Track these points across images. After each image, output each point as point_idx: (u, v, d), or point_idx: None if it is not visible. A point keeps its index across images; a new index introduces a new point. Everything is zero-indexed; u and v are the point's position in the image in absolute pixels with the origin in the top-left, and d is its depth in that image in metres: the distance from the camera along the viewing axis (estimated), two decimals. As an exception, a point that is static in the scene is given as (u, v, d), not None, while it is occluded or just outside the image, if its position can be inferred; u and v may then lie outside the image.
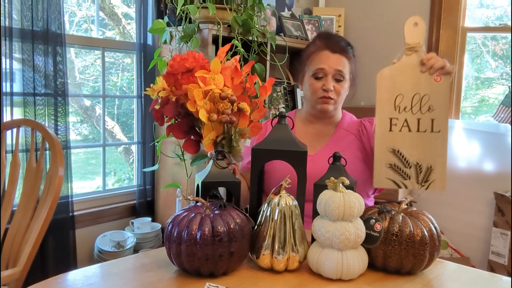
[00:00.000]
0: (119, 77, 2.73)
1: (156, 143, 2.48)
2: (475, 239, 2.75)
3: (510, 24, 2.77)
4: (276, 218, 1.01)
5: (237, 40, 2.27)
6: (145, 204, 2.55)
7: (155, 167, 2.49)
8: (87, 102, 2.70)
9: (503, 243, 2.54)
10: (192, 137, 1.22)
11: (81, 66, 2.66)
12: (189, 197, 1.04)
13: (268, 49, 2.50)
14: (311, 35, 2.97)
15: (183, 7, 2.18)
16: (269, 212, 1.02)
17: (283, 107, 2.75)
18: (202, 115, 1.07)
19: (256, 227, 1.04)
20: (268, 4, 2.68)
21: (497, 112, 2.68)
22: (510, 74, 2.85)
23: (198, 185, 1.11)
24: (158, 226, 2.48)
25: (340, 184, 1.00)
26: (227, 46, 1.22)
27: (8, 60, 1.92)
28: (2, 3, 1.86)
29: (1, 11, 1.85)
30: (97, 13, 2.45)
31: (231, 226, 0.97)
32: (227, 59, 1.21)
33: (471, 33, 2.93)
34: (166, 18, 2.38)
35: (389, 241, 1.01)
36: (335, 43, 1.50)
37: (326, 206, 0.98)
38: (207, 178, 1.07)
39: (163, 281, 0.97)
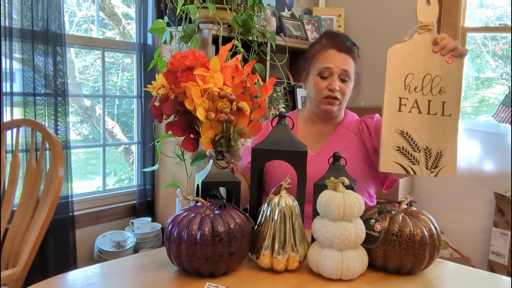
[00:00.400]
0: (119, 77, 2.73)
1: (156, 143, 2.48)
2: (475, 239, 2.76)
3: (510, 24, 2.77)
4: (276, 218, 1.01)
5: (237, 40, 2.27)
6: (145, 204, 2.55)
7: (155, 167, 2.49)
8: (87, 102, 2.70)
9: (503, 243, 2.54)
10: (191, 135, 1.22)
11: (81, 66, 2.66)
12: (189, 197, 1.04)
13: (268, 49, 2.50)
14: (311, 35, 2.97)
15: (183, 7, 2.18)
16: (269, 212, 1.02)
17: (283, 107, 2.75)
18: (200, 114, 1.07)
19: (256, 227, 1.04)
20: (268, 4, 2.68)
21: (497, 112, 2.68)
22: (510, 74, 2.85)
23: (198, 185, 1.11)
24: (158, 226, 2.48)
25: (340, 184, 1.00)
26: (229, 45, 1.22)
27: (8, 60, 1.92)
28: (2, 3, 1.86)
29: (1, 11, 1.85)
30: (97, 13, 2.45)
31: (231, 226, 0.97)
32: (227, 59, 1.21)
33: (471, 33, 2.93)
34: (166, 18, 2.38)
35: (389, 241, 1.01)
36: (341, 42, 1.47)
37: (326, 206, 0.98)
38: (207, 178, 1.07)
39: (163, 281, 0.97)
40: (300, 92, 2.87)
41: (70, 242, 2.16)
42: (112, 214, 2.45)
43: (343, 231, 0.96)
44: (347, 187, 1.01)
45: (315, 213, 1.05)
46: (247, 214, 1.05)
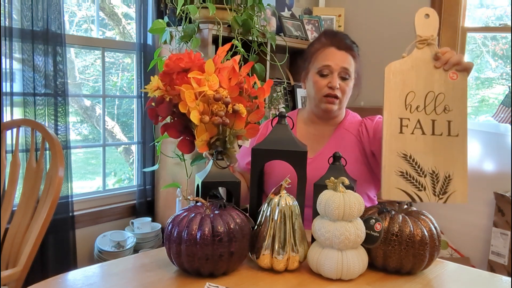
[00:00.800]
0: (119, 77, 2.73)
1: (156, 143, 2.48)
2: (475, 239, 2.75)
3: (510, 24, 2.77)
4: (276, 218, 1.01)
5: (237, 40, 2.27)
6: (145, 204, 2.55)
7: (155, 167, 2.49)
8: (87, 102, 2.70)
9: (503, 243, 2.54)
10: (187, 137, 1.21)
11: (81, 66, 2.66)
12: (189, 197, 1.04)
13: (268, 49, 2.50)
14: (311, 35, 2.97)
15: (183, 7, 2.18)
16: (269, 212, 1.02)
17: (283, 107, 2.75)
18: (194, 117, 1.05)
19: (256, 227, 1.04)
20: (268, 4, 2.68)
21: (497, 112, 2.68)
22: (510, 74, 2.85)
23: (198, 185, 1.11)
24: (158, 226, 2.48)
25: (340, 184, 1.00)
26: (227, 46, 1.21)
27: (8, 60, 1.92)
28: (2, 3, 1.86)
29: (1, 11, 1.85)
30: (97, 13, 2.45)
31: (231, 226, 0.97)
32: (227, 59, 1.20)
33: (471, 33, 2.93)
34: (166, 18, 2.38)
35: (389, 241, 1.01)
36: (341, 40, 1.46)
37: (326, 206, 0.98)
38: (207, 178, 1.07)
39: (163, 281, 0.97)
40: (300, 92, 2.87)
41: (70, 242, 2.16)
42: (112, 214, 2.45)
43: (343, 231, 0.96)
44: (347, 187, 1.01)
45: (315, 215, 1.05)
46: (247, 214, 1.05)
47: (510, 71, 2.85)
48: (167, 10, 2.42)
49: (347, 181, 1.00)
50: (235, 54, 2.11)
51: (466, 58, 2.91)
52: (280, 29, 2.79)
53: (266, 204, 1.04)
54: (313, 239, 1.06)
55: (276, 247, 1.01)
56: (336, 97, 1.44)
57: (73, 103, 2.58)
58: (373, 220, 1.03)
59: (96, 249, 2.27)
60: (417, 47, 1.09)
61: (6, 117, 1.92)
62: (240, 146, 1.57)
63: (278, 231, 1.01)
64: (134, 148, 2.71)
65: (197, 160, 2.26)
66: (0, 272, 1.44)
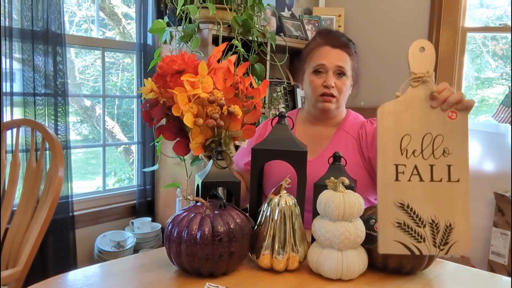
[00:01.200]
0: (119, 77, 2.73)
1: (156, 143, 2.48)
2: (475, 239, 2.74)
3: (510, 24, 2.77)
4: (276, 218, 1.01)
5: (237, 40, 2.27)
6: (145, 204, 2.55)
7: (155, 167, 2.49)
8: (87, 102, 2.70)
9: (503, 243, 2.54)
10: (182, 139, 1.20)
11: (81, 66, 2.66)
12: (189, 197, 1.04)
13: (268, 49, 2.50)
14: (311, 35, 2.97)
15: (183, 7, 2.18)
16: (269, 212, 1.02)
17: (283, 107, 2.75)
18: (187, 120, 1.04)
19: (256, 227, 1.04)
20: (268, 4, 2.68)
21: (497, 112, 2.68)
22: (510, 74, 2.85)
23: (198, 185, 1.11)
24: (158, 226, 2.48)
25: (340, 184, 1.00)
26: (223, 46, 1.20)
27: (8, 60, 1.93)
28: (2, 3, 1.86)
29: (1, 11, 1.85)
30: (97, 13, 2.45)
31: (231, 226, 0.97)
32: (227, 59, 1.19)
33: (471, 33, 2.93)
34: (166, 18, 2.38)
35: (389, 241, 1.01)
36: (335, 38, 1.45)
37: (326, 206, 0.98)
38: (207, 178, 1.07)
39: (163, 281, 0.97)
40: (300, 92, 2.87)
41: (70, 242, 2.16)
42: (112, 214, 2.45)
43: (343, 231, 0.96)
44: (347, 187, 1.01)
45: (315, 216, 1.05)
46: (247, 214, 1.05)
47: (510, 71, 2.85)
48: (167, 10, 2.42)
49: (347, 181, 1.00)
50: (235, 54, 2.11)
51: (466, 58, 2.92)
52: (280, 29, 2.79)
53: (266, 204, 1.04)
54: (313, 239, 1.06)
55: (276, 247, 1.01)
56: (332, 95, 1.42)
57: (73, 103, 2.58)
58: (373, 220, 1.03)
59: (96, 249, 2.27)
60: (411, 85, 0.99)
61: (6, 117, 1.92)
62: (236, 148, 1.56)
63: (278, 231, 1.01)
64: (134, 148, 2.71)
65: (197, 160, 2.26)
66: (0, 272, 1.44)
